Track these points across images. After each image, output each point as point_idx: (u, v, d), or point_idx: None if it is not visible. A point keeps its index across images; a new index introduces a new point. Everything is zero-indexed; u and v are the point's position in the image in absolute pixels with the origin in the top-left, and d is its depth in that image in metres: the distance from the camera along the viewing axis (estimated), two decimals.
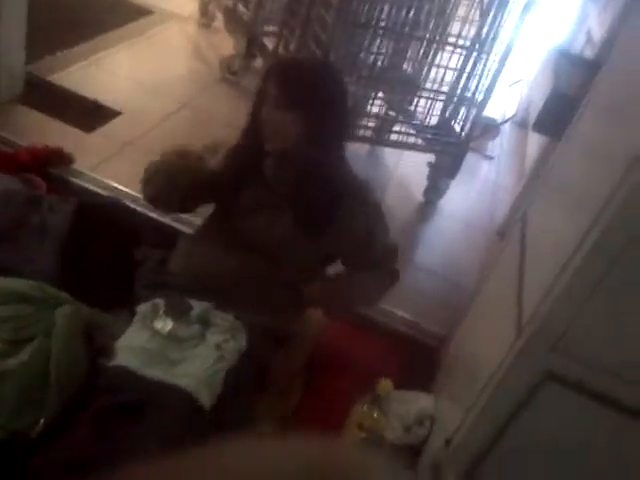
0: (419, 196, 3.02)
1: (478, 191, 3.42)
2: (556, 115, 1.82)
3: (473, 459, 1.30)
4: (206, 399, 1.52)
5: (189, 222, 2.08)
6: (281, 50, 3.15)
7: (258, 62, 3.45)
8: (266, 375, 1.70)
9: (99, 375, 1.51)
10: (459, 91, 2.87)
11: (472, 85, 2.86)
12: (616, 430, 1.18)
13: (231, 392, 1.56)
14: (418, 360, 2.05)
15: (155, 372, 1.52)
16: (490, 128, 3.58)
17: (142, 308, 1.66)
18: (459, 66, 2.89)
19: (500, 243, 2.85)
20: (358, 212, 1.75)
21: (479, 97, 2.79)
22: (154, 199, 1.78)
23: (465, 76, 2.85)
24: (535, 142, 3.81)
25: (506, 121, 3.78)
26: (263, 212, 1.74)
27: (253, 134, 1.71)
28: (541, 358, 1.18)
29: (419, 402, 1.70)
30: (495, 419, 1.27)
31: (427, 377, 1.99)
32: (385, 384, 1.45)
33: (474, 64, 2.81)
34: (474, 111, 2.86)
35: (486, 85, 2.77)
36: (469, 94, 2.88)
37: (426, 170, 2.97)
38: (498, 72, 2.71)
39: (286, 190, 1.73)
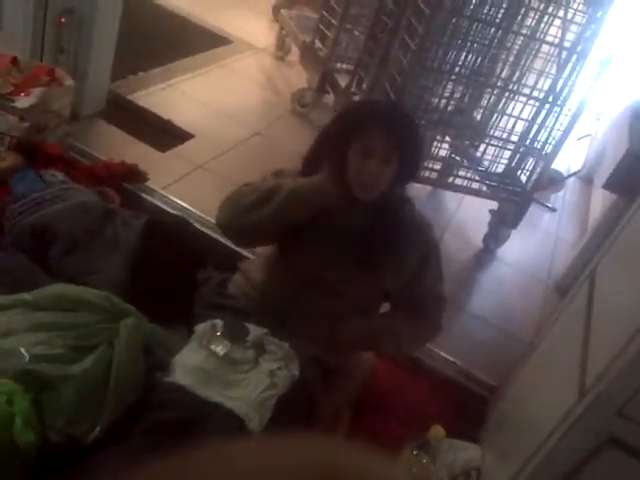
0: (478, 242, 2.99)
1: (538, 243, 3.36)
2: (629, 175, 1.80)
3: None
4: (256, 424, 1.53)
5: (252, 249, 2.12)
6: (354, 88, 3.21)
7: (329, 98, 3.53)
8: (314, 408, 1.70)
9: (154, 390, 1.55)
10: (528, 142, 2.85)
11: (542, 137, 2.84)
12: None
13: (280, 420, 1.57)
14: (467, 409, 2.01)
15: (208, 392, 1.55)
16: (555, 181, 3.54)
17: (200, 327, 1.70)
18: (530, 117, 2.88)
19: (559, 298, 2.80)
20: (417, 249, 1.76)
21: (548, 149, 2.77)
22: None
23: (536, 127, 2.84)
24: (600, 198, 3.74)
25: (572, 175, 3.74)
26: (327, 247, 1.75)
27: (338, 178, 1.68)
28: (603, 422, 1.15)
29: (467, 452, 1.67)
30: (550, 478, 1.24)
31: (475, 427, 1.95)
32: (437, 430, 1.43)
33: (546, 116, 2.80)
34: (541, 163, 2.84)
35: (556, 138, 2.75)
36: (538, 145, 2.86)
37: (487, 217, 2.95)
38: (570, 126, 2.68)
39: (353, 228, 1.74)
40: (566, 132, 2.70)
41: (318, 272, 1.75)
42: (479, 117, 3.17)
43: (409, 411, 1.89)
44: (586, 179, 4.11)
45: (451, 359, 2.16)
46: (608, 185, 1.90)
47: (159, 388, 1.54)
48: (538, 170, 2.82)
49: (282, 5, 4.49)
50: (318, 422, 1.71)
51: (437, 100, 3.06)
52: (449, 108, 3.12)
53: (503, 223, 2.88)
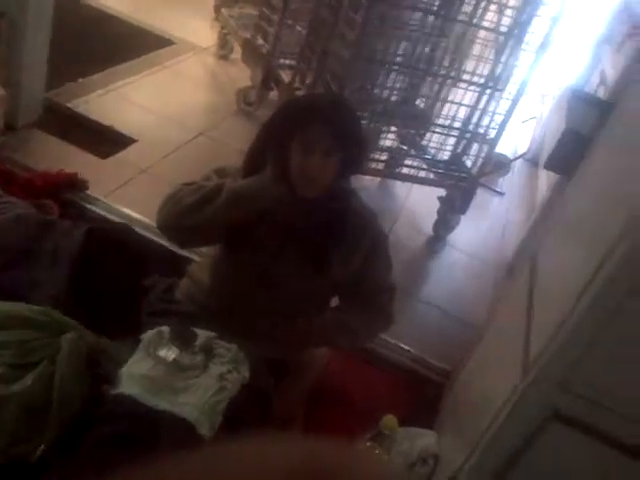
0: (429, 230, 3.02)
1: (488, 226, 3.41)
2: (568, 153, 1.82)
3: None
4: (206, 429, 1.51)
5: (197, 250, 2.09)
6: (297, 83, 3.20)
7: (274, 94, 3.51)
8: (267, 408, 1.68)
9: (102, 402, 1.51)
10: (472, 127, 2.88)
11: (485, 122, 2.88)
12: (619, 470, 1.16)
13: (233, 423, 1.55)
14: (422, 395, 2.03)
15: (157, 401, 1.51)
16: (501, 165, 3.59)
17: (147, 335, 1.66)
18: (472, 103, 2.91)
19: (508, 280, 2.84)
20: (364, 241, 1.75)
21: (491, 134, 2.81)
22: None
23: (478, 113, 2.87)
24: (545, 180, 3.81)
25: (517, 158, 3.80)
26: (274, 244, 1.74)
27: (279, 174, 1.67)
28: (547, 397, 1.16)
29: (423, 439, 1.67)
30: (499, 457, 1.25)
31: (430, 413, 1.96)
32: (389, 420, 1.43)
33: (487, 101, 2.83)
34: (486, 148, 2.87)
35: (499, 122, 2.78)
36: (482, 131, 2.90)
37: (436, 204, 2.98)
38: (511, 110, 2.72)
39: (299, 224, 1.72)
40: (507, 116, 2.74)
41: (266, 271, 1.73)
42: (423, 106, 3.20)
43: (365, 402, 1.89)
44: (532, 161, 4.19)
45: (405, 347, 2.17)
46: (548, 165, 1.92)
47: (107, 400, 1.50)
48: (483, 155, 2.86)
49: (223, 4, 4.44)
50: (272, 422, 1.69)
51: (380, 91, 3.08)
52: (393, 98, 3.14)
53: (452, 209, 2.91)
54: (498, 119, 2.84)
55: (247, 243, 1.74)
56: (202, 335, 1.68)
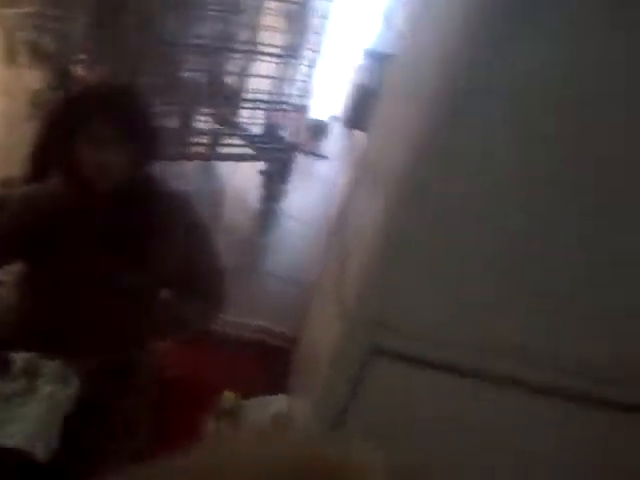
0: (257, 204, 3.04)
1: (316, 192, 3.50)
2: (360, 109, 1.91)
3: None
4: (41, 451, 1.41)
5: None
6: (92, 78, 3.03)
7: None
8: (110, 417, 1.61)
9: None
10: (278, 98, 2.92)
11: (292, 91, 2.92)
12: (445, 390, 1.24)
13: (75, 438, 1.47)
14: (274, 365, 2.05)
15: None
16: (319, 129, 3.69)
17: None
18: (277, 74, 2.94)
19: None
20: (179, 227, 1.70)
21: (299, 101, 2.86)
22: None
23: (283, 83, 2.91)
24: (361, 138, 3.99)
25: (331, 121, 3.92)
26: (84, 248, 1.64)
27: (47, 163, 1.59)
28: (363, 335, 1.21)
29: (274, 405, 1.69)
30: (335, 403, 1.29)
31: (283, 380, 1.99)
32: (227, 395, 1.43)
33: (290, 70, 2.88)
34: (297, 115, 2.92)
35: (304, 89, 2.84)
36: (291, 100, 2.94)
37: (260, 178, 3.00)
38: (314, 76, 2.79)
39: (104, 222, 1.64)
40: (309, 81, 2.80)
41: (82, 277, 1.63)
42: (231, 83, 3.18)
43: (210, 384, 1.88)
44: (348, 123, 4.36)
45: (248, 322, 2.18)
46: (347, 123, 2.00)
47: None
48: (296, 123, 2.91)
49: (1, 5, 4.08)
50: (118, 429, 1.62)
51: (186, 74, 3.01)
52: (201, 80, 3.09)
53: (274, 181, 2.94)
54: (305, 86, 2.89)
55: (54, 253, 1.63)
56: (20, 358, 1.56)
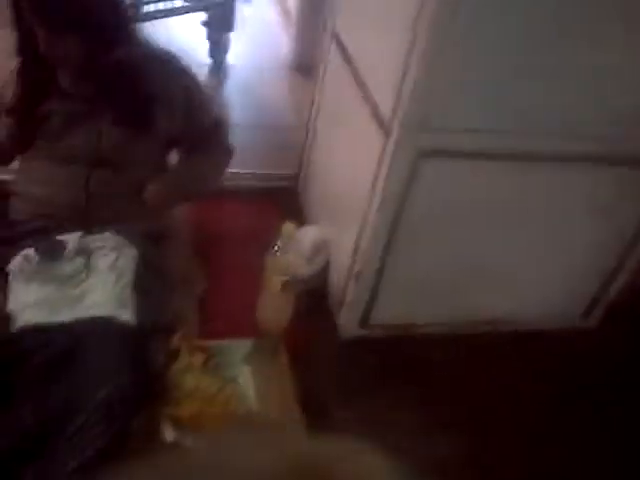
0: (206, 59, 2.96)
1: (254, 35, 3.40)
2: None
3: (386, 241, 1.48)
4: (127, 316, 1.51)
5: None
6: None
7: None
8: (168, 274, 1.71)
9: (8, 344, 1.43)
10: None
11: None
12: (490, 176, 1.41)
13: (146, 299, 1.57)
14: (286, 204, 2.17)
15: (64, 316, 1.47)
16: None
17: (13, 267, 1.55)
18: None
19: (303, 76, 2.97)
20: (174, 86, 1.70)
21: None
22: None
23: None
24: None
25: None
26: (82, 126, 1.63)
27: (32, 54, 1.54)
28: (413, 141, 1.34)
29: (309, 235, 1.84)
30: (391, 209, 1.44)
31: (297, 214, 2.13)
32: (288, 226, 1.55)
33: None
34: None
35: None
36: None
37: (203, 31, 2.90)
38: None
39: (93, 96, 1.62)
40: None
41: (87, 153, 1.64)
42: None
43: (241, 233, 1.99)
44: None
45: (248, 171, 2.25)
46: None
47: (13, 339, 1.42)
48: None
49: None
50: (175, 281, 1.74)
51: None
52: None
53: (220, 30, 2.85)
54: None
55: (52, 134, 1.63)
56: (69, 239, 1.60)
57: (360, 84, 1.55)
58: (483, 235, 1.56)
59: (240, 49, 3.10)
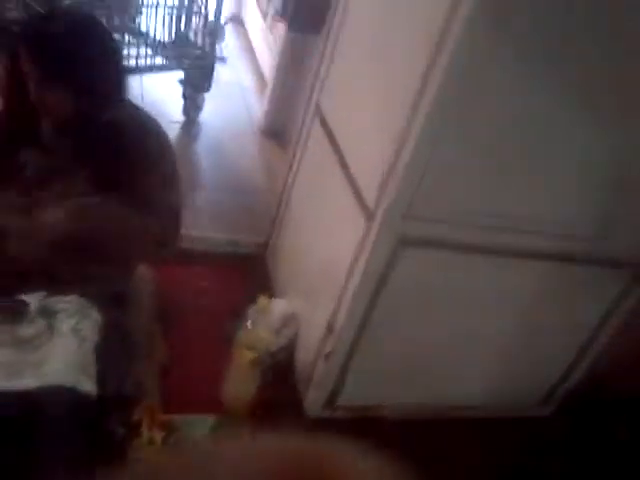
0: (179, 116, 2.97)
1: (226, 96, 3.44)
2: (310, 10, 1.92)
3: (359, 323, 1.48)
4: (89, 386, 1.45)
5: None
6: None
7: None
8: (129, 336, 1.66)
9: None
10: (188, 1, 2.79)
11: None
12: (456, 265, 1.45)
13: (108, 367, 1.51)
14: (251, 272, 2.16)
15: (23, 382, 1.39)
16: (217, 32, 3.56)
17: None
18: None
19: (268, 139, 3.00)
20: (147, 156, 1.65)
21: (205, 4, 2.76)
22: None
23: None
24: (260, 36, 3.92)
25: (229, 20, 3.80)
26: (53, 182, 1.60)
27: (18, 102, 1.52)
28: (395, 228, 1.36)
29: (278, 307, 1.82)
30: (368, 291, 1.45)
31: (264, 282, 2.12)
32: (262, 300, 1.54)
33: None
34: (205, 19, 2.82)
35: None
36: (195, 3, 2.82)
37: (178, 89, 2.91)
38: None
39: (71, 153, 1.60)
40: None
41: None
42: None
43: (204, 299, 1.96)
44: (237, 20, 4.23)
45: (214, 235, 2.24)
46: (295, 28, 1.99)
47: None
48: (210, 26, 2.81)
49: None
50: (138, 348, 1.68)
51: None
52: None
53: (195, 89, 2.87)
54: None
55: (25, 187, 1.58)
56: (32, 299, 1.54)
57: (342, 164, 1.58)
58: (454, 320, 1.59)
59: (212, 108, 3.13)
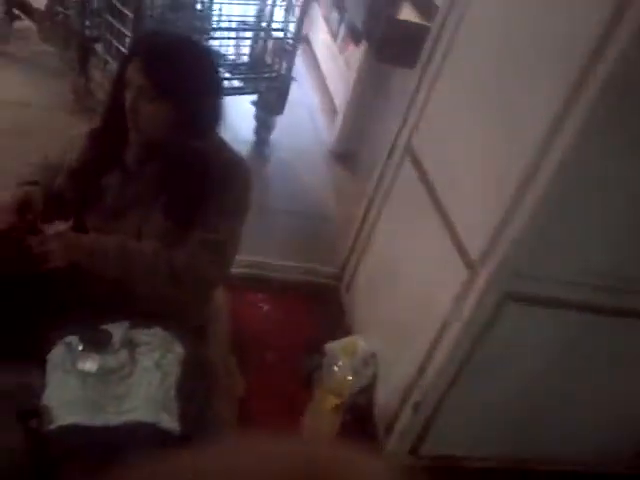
0: (250, 137, 2.96)
1: (296, 117, 3.42)
2: (399, 43, 1.87)
3: (452, 376, 1.41)
4: (169, 421, 1.42)
5: None
6: (58, 6, 2.73)
7: (24, 24, 2.98)
8: (211, 372, 1.63)
9: (44, 444, 1.32)
10: (266, 24, 2.78)
11: (279, 17, 2.77)
12: (570, 325, 1.37)
13: (189, 403, 1.48)
14: (325, 303, 2.11)
15: (107, 417, 1.37)
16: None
17: (54, 354, 1.46)
18: None
19: (338, 163, 2.96)
20: (226, 195, 1.59)
21: (289, 27, 2.74)
22: None
23: (269, 8, 2.76)
24: (327, 56, 3.90)
25: (300, 39, 3.78)
26: (132, 209, 1.57)
27: (115, 119, 1.51)
28: (503, 285, 1.29)
29: (355, 345, 1.77)
30: (467, 343, 1.38)
31: (337, 317, 2.06)
32: (348, 341, 1.49)
33: None
34: (286, 42, 2.80)
35: (295, 14, 2.71)
36: (278, 26, 2.79)
37: (250, 110, 2.91)
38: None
39: (154, 180, 1.57)
40: (305, 5, 2.67)
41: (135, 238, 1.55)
42: (203, 9, 2.97)
43: (288, 334, 1.92)
44: (304, 39, 4.23)
45: (293, 264, 2.19)
46: (382, 57, 1.94)
47: (52, 438, 1.32)
48: (288, 49, 2.79)
49: None
50: (217, 382, 1.65)
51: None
52: (166, 2, 2.86)
53: (269, 112, 2.86)
54: (293, 9, 2.75)
55: (104, 211, 1.57)
56: (116, 329, 1.52)
57: (438, 207, 1.52)
58: (550, 376, 1.51)
59: (280, 128, 3.10)
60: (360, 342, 1.78)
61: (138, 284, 1.49)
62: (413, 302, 1.59)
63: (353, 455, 0.40)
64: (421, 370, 1.49)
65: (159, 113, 1.44)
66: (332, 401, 1.49)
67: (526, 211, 1.18)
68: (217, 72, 1.59)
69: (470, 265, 1.34)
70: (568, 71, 1.10)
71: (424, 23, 2.22)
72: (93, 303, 1.55)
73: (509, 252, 1.23)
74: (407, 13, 2.39)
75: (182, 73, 1.43)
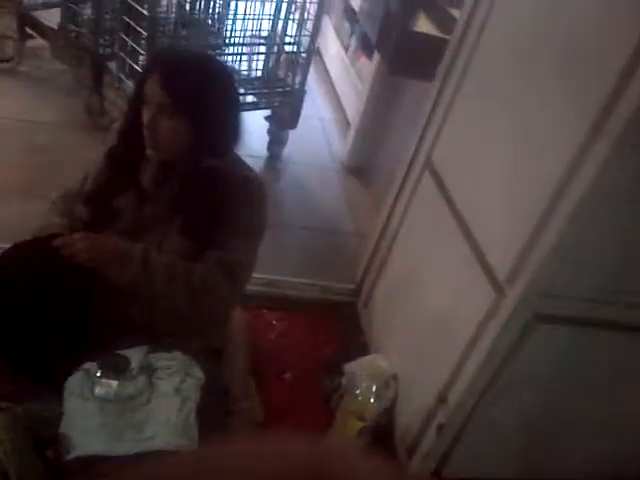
0: (263, 151, 2.94)
1: (307, 131, 3.40)
2: (413, 55, 1.85)
3: (478, 398, 1.38)
4: (190, 449, 1.39)
5: None
6: (70, 24, 2.73)
7: (36, 42, 2.98)
8: (229, 395, 1.60)
9: (66, 472, 1.30)
10: (279, 39, 2.76)
11: (292, 31, 2.76)
12: (601, 344, 1.32)
13: (210, 428, 1.46)
14: (342, 320, 2.08)
15: (126, 445, 1.35)
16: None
17: (72, 380, 1.44)
18: (272, 13, 2.75)
19: (351, 175, 2.93)
20: (242, 213, 1.57)
21: (303, 42, 2.72)
22: None
23: (281, 23, 2.75)
24: (337, 68, 3.88)
25: (314, 53, 3.77)
26: (149, 229, 1.55)
27: (132, 137, 1.49)
28: (531, 305, 1.25)
29: (375, 364, 1.73)
30: (491, 367, 1.34)
31: (355, 334, 2.03)
32: (369, 364, 1.46)
33: (287, 9, 2.71)
34: (300, 56, 2.78)
35: (308, 28, 2.69)
36: (291, 40, 2.78)
37: (263, 125, 2.89)
38: (319, 14, 2.64)
39: (170, 201, 1.55)
40: (317, 19, 2.65)
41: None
42: (216, 25, 2.96)
43: (299, 349, 1.89)
44: (315, 52, 4.21)
45: (309, 282, 2.17)
46: (394, 70, 1.93)
47: (72, 467, 1.30)
48: (301, 63, 2.78)
49: None
50: (237, 406, 1.62)
51: (166, 14, 2.78)
52: (179, 19, 2.86)
53: (282, 126, 2.84)
54: (305, 24, 2.74)
55: (122, 233, 1.54)
56: (134, 355, 1.50)
57: (461, 224, 1.48)
58: (577, 396, 1.46)
59: (292, 141, 3.08)
60: (381, 363, 1.74)
61: (156, 294, 1.48)
62: (435, 320, 1.56)
63: (358, 458, 0.40)
64: (445, 392, 1.45)
65: (178, 130, 1.42)
66: (355, 425, 1.46)
67: (555, 230, 1.14)
68: (235, 88, 1.58)
69: (495, 283, 1.30)
70: (599, 87, 1.06)
71: (439, 35, 2.20)
72: (112, 324, 1.53)
73: (538, 272, 1.19)
74: (422, 25, 2.36)
75: (201, 88, 1.42)
